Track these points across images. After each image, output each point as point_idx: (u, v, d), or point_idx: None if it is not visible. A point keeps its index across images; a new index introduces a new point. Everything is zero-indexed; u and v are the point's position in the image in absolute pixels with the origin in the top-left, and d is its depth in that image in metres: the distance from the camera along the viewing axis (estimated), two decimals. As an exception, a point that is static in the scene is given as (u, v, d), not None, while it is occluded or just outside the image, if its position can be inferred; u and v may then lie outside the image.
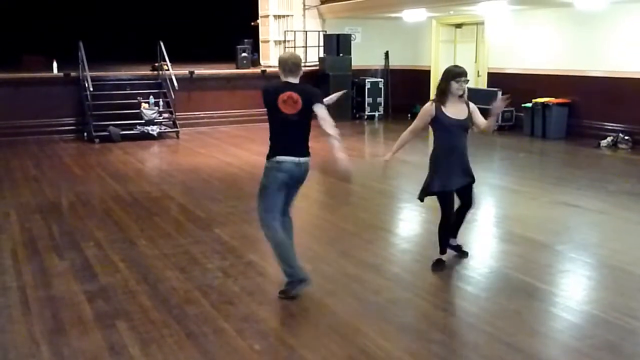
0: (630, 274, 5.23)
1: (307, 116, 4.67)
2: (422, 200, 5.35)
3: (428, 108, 5.12)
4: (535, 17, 13.38)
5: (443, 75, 5.16)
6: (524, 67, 13.61)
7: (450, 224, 5.33)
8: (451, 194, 5.22)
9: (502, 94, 13.04)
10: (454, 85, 5.02)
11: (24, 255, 5.72)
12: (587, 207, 7.44)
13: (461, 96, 5.10)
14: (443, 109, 5.05)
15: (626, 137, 11.32)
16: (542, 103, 12.43)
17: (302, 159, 4.68)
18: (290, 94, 4.61)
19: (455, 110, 5.08)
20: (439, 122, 5.08)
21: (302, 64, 4.85)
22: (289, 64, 4.67)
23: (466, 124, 5.15)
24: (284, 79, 4.71)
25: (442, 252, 5.36)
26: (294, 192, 4.88)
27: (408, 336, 4.15)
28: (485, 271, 5.35)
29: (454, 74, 5.06)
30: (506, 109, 13.34)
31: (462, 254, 5.53)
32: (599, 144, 11.42)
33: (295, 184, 4.80)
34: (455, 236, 5.53)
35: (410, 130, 5.21)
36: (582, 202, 7.62)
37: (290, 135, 4.69)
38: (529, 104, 12.65)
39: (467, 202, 5.40)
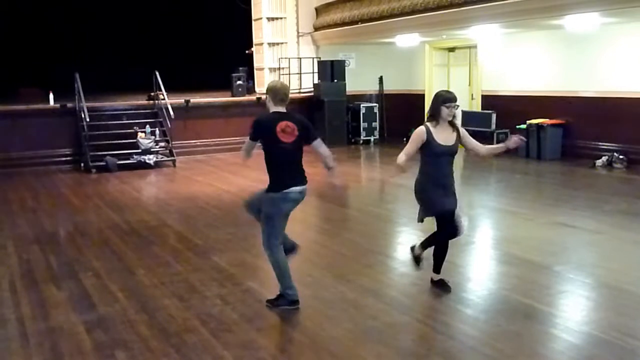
0: (628, 294, 5.23)
1: (301, 144, 4.85)
2: (421, 221, 5.30)
3: (420, 132, 5.05)
4: (528, 40, 13.53)
5: (433, 100, 5.13)
6: (517, 89, 13.73)
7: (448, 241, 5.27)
8: (452, 212, 5.13)
9: (497, 116, 13.38)
10: (445, 110, 5.00)
11: (22, 286, 5.71)
12: (583, 227, 7.46)
13: (451, 122, 5.07)
14: (434, 134, 5.01)
15: (621, 157, 11.39)
16: (537, 124, 12.53)
17: (303, 187, 4.87)
18: (287, 123, 4.74)
19: (444, 136, 5.04)
20: (429, 147, 5.02)
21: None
22: (281, 93, 4.79)
23: (454, 150, 5.12)
24: (273, 108, 4.81)
25: (439, 271, 5.33)
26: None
27: (408, 360, 4.14)
28: (484, 293, 5.35)
29: (444, 98, 5.04)
30: (500, 130, 13.48)
31: (445, 288, 5.27)
32: (594, 163, 11.49)
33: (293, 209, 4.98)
34: (439, 271, 5.32)
35: (406, 154, 5.04)
36: (578, 222, 7.64)
37: (291, 164, 4.84)
38: (524, 126, 12.74)
39: (454, 230, 5.19)
